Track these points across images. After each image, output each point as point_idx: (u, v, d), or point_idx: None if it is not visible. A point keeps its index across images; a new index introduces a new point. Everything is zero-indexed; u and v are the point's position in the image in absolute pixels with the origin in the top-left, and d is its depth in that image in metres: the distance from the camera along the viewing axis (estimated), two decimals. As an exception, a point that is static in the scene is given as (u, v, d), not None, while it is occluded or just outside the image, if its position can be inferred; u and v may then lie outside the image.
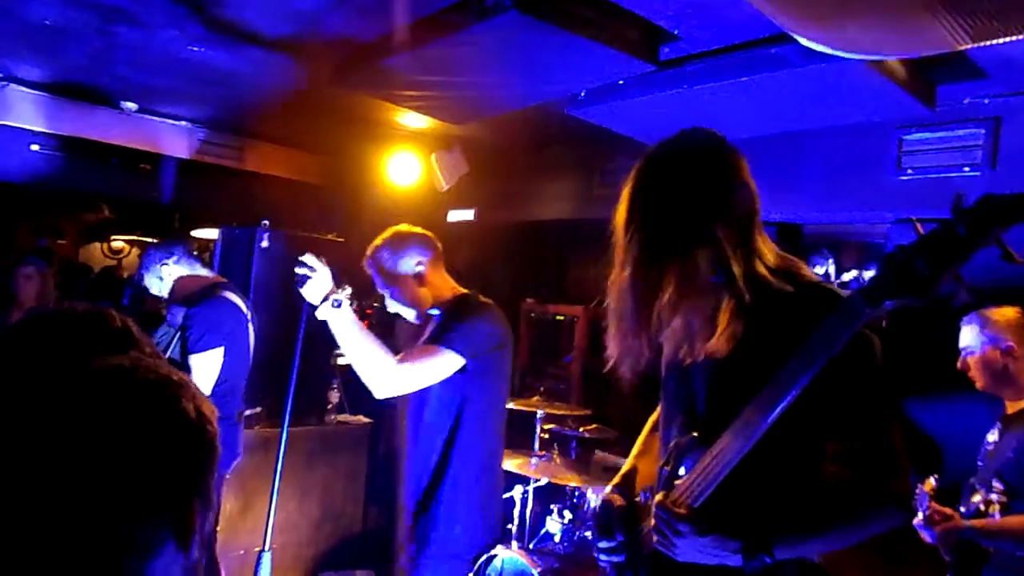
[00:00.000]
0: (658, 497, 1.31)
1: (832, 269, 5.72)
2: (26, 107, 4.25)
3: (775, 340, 1.26)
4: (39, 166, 4.52)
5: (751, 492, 1.26)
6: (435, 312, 2.32)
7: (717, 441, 1.25)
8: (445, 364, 2.12)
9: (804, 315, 1.24)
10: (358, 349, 2.08)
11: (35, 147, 4.44)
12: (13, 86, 4.17)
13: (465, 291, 2.36)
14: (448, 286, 2.37)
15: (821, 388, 1.17)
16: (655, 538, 1.30)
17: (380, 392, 2.10)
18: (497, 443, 2.33)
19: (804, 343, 1.16)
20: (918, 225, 1.09)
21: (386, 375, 2.07)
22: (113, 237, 8.36)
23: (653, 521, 1.30)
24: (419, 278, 2.29)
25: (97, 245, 8.45)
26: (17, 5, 2.94)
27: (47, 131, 4.38)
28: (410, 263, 2.30)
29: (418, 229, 2.40)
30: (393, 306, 2.35)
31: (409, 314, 2.35)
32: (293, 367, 2.23)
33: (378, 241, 2.36)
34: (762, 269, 1.29)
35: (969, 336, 2.39)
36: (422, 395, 2.27)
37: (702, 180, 1.29)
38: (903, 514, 1.25)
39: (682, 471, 1.32)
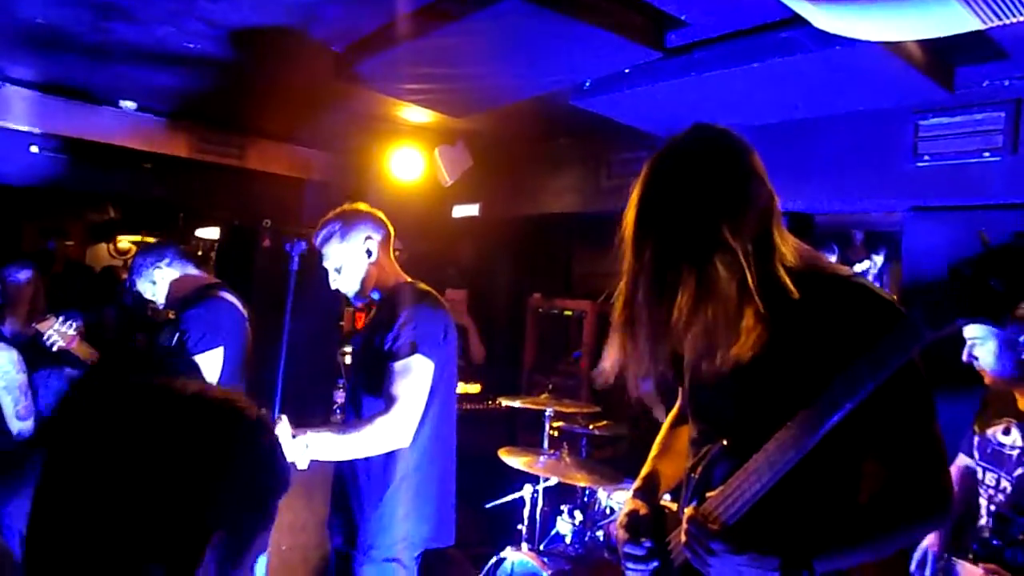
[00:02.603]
0: (689, 511, 1.25)
1: (834, 257, 5.65)
2: (24, 108, 4.19)
3: (803, 344, 1.21)
4: (40, 168, 4.48)
5: (787, 506, 1.20)
6: (376, 296, 2.30)
7: (753, 458, 1.18)
8: (424, 373, 2.09)
9: (832, 315, 1.19)
10: (354, 447, 2.06)
11: (35, 148, 4.40)
12: (10, 87, 4.12)
13: (408, 279, 2.33)
14: (393, 272, 2.33)
15: (867, 396, 1.10)
16: (687, 554, 1.24)
17: (407, 441, 2.08)
18: (450, 433, 2.28)
19: (851, 364, 1.09)
20: (984, 237, 0.99)
21: (393, 434, 2.05)
22: (119, 237, 8.35)
23: (684, 536, 1.24)
24: (368, 256, 2.27)
25: (103, 246, 8.43)
26: (7, 4, 2.88)
27: (46, 132, 4.34)
28: (359, 238, 2.26)
29: (370, 208, 2.37)
30: (336, 282, 2.31)
31: (352, 291, 2.31)
32: (279, 368, 2.20)
33: (329, 215, 2.33)
34: (782, 272, 1.22)
35: (976, 328, 2.26)
36: (364, 391, 2.21)
37: (715, 182, 1.21)
38: (947, 514, 1.21)
39: (713, 481, 1.26)
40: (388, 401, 2.06)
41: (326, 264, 2.30)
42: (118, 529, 0.69)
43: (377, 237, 2.29)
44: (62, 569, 0.70)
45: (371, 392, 2.17)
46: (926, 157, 3.05)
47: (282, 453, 0.83)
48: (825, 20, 1.87)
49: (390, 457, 2.12)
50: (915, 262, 3.22)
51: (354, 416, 2.24)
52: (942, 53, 2.66)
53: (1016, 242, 0.97)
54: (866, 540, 1.19)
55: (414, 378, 2.08)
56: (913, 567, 2.25)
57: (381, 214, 2.38)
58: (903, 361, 1.06)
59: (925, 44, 2.53)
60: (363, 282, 2.28)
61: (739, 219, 1.20)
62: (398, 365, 2.08)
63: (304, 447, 1.98)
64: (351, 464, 2.17)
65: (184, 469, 0.72)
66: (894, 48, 2.36)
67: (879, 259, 5.24)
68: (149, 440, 0.71)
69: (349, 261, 2.26)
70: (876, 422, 1.17)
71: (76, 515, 0.70)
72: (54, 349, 3.05)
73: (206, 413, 0.76)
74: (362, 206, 2.36)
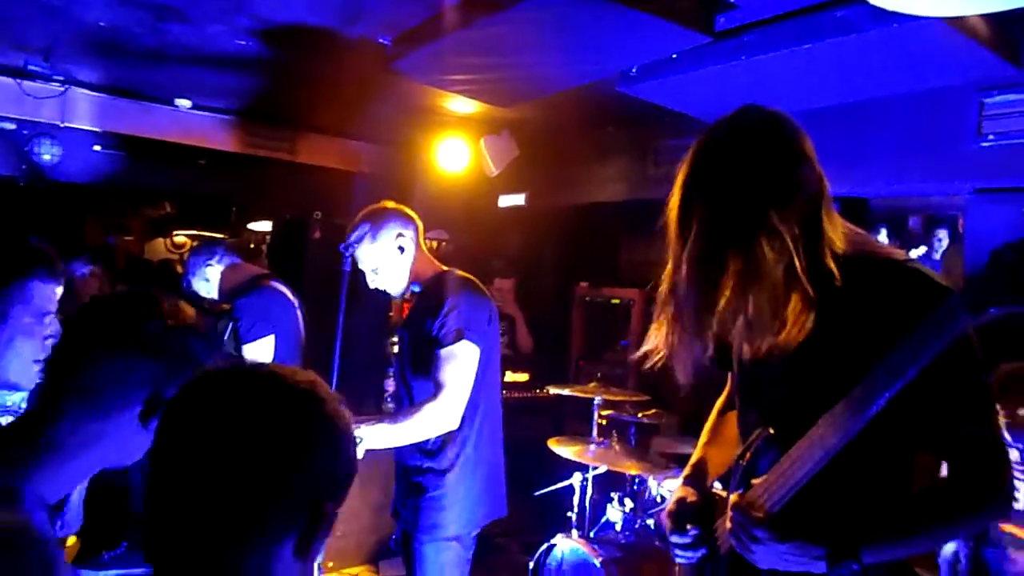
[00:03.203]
0: (734, 498, 1.25)
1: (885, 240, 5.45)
2: (87, 109, 4.37)
3: (851, 330, 1.18)
4: (102, 166, 4.66)
5: (835, 495, 1.19)
6: (416, 288, 2.35)
7: (796, 445, 1.17)
8: (470, 358, 2.15)
9: (880, 300, 1.17)
10: (406, 435, 2.12)
11: (97, 147, 4.58)
12: (74, 88, 4.29)
13: (445, 268, 2.37)
14: (429, 263, 2.37)
15: (914, 384, 1.08)
16: (732, 541, 1.24)
17: (455, 424, 2.15)
18: (497, 414, 2.33)
19: (891, 351, 1.06)
20: None
21: (442, 419, 2.11)
22: (175, 232, 8.62)
23: (729, 523, 1.24)
24: (401, 252, 2.30)
25: (160, 240, 8.72)
26: (74, 8, 3.00)
27: (107, 131, 4.51)
28: (390, 236, 2.30)
29: (396, 205, 2.41)
30: (375, 281, 2.35)
31: (393, 288, 2.35)
32: (334, 360, 2.28)
33: (357, 218, 2.36)
34: (829, 258, 1.20)
35: None
36: (414, 378, 2.26)
37: (762, 165, 1.19)
38: (1008, 506, 1.17)
39: (760, 469, 1.26)
40: (436, 387, 2.12)
41: (362, 266, 2.34)
42: (252, 507, 0.79)
43: (408, 233, 2.33)
44: (193, 541, 0.79)
45: (421, 378, 2.22)
46: (990, 136, 2.93)
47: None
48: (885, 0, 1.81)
49: (449, 441, 2.18)
50: (978, 246, 3.10)
51: (407, 402, 2.30)
52: (1008, 26, 2.54)
53: None
54: (918, 532, 1.17)
55: (460, 363, 2.13)
56: (944, 569, 2.14)
57: (408, 209, 2.41)
58: (942, 346, 1.03)
59: (990, 18, 2.42)
60: (401, 278, 2.32)
61: (787, 203, 1.17)
62: (445, 351, 2.13)
63: (358, 440, 2.04)
64: (412, 450, 2.22)
65: (303, 451, 0.82)
66: (956, 24, 2.27)
67: (943, 234, 5.02)
68: (270, 427, 0.81)
69: (384, 260, 2.30)
70: (929, 409, 1.14)
71: (207, 493, 0.79)
72: None
73: (313, 400, 0.86)
74: (388, 204, 2.39)
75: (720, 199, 1.19)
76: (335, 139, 5.25)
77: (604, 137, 4.64)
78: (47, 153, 4.32)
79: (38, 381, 1.08)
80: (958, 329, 1.03)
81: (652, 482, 3.29)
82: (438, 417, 2.10)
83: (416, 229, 2.38)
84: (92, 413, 1.03)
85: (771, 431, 1.27)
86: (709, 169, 1.22)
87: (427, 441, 2.17)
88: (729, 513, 1.24)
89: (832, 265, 1.19)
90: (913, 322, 1.06)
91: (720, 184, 1.20)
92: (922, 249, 5.17)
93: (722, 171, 1.20)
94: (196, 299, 3.24)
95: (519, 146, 4.78)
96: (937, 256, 5.06)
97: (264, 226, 7.02)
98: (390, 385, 4.23)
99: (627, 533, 3.25)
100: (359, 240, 2.31)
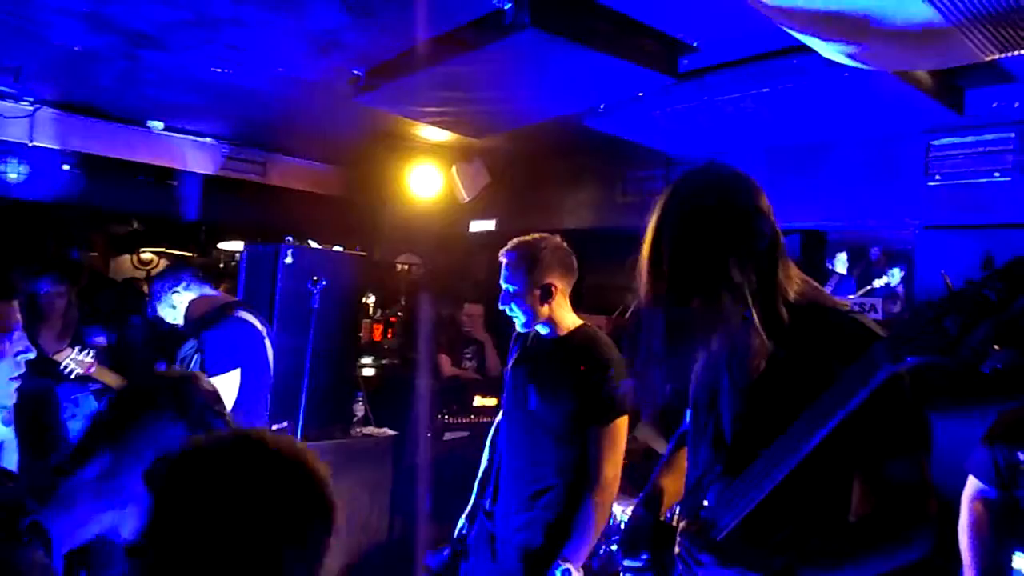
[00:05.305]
0: (682, 525, 1.33)
1: (844, 266, 5.66)
2: (57, 128, 4.34)
3: (796, 375, 1.27)
4: (70, 185, 4.62)
5: (776, 523, 1.27)
6: (545, 332, 2.32)
7: (739, 477, 1.26)
8: (624, 433, 2.22)
9: (823, 348, 1.26)
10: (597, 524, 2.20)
11: (66, 167, 4.55)
12: (45, 108, 4.26)
13: (583, 323, 2.34)
14: (569, 313, 2.32)
15: (849, 421, 1.16)
16: (679, 566, 1.32)
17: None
18: None
19: (822, 395, 1.16)
20: (947, 279, 1.06)
21: (611, 500, 2.21)
22: (142, 249, 8.51)
23: (677, 549, 1.32)
24: (548, 293, 2.25)
25: (127, 257, 8.60)
26: (47, 32, 3.01)
27: (77, 151, 4.48)
28: (544, 277, 2.25)
29: (563, 247, 2.35)
30: (505, 304, 2.29)
31: (517, 318, 2.32)
32: (303, 383, 2.27)
33: (531, 240, 2.31)
34: (782, 308, 1.30)
35: None
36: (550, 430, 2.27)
37: (725, 222, 1.30)
38: (933, 539, 1.24)
39: (706, 502, 1.33)
40: (599, 462, 2.17)
41: (503, 281, 2.29)
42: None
43: (561, 284, 2.28)
44: None
45: (561, 438, 2.24)
46: (937, 177, 3.09)
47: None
48: (833, 54, 1.92)
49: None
50: (927, 280, 3.25)
51: (521, 439, 2.34)
52: (951, 76, 2.70)
53: (968, 290, 1.03)
54: (849, 561, 1.23)
55: (621, 438, 2.20)
56: None
57: (571, 255, 2.35)
58: (866, 390, 1.11)
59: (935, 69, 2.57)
60: (531, 318, 2.28)
61: (745, 254, 1.28)
62: (609, 427, 2.18)
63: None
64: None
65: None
66: (902, 74, 2.41)
67: (897, 272, 5.25)
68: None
69: (527, 293, 2.25)
70: (860, 446, 1.23)
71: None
72: (72, 377, 3.17)
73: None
74: (561, 244, 2.34)
75: (686, 256, 1.29)
76: (306, 163, 5.28)
77: (573, 166, 4.74)
78: (13, 172, 4.28)
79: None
80: (880, 376, 1.11)
81: (617, 508, 3.34)
82: (610, 501, 2.19)
83: (571, 279, 2.32)
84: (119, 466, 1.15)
85: (719, 467, 1.35)
86: (676, 228, 1.32)
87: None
88: (678, 539, 1.32)
89: (784, 313, 1.29)
90: (843, 367, 1.15)
91: (686, 242, 1.30)
92: (884, 279, 5.36)
93: (688, 230, 1.31)
94: (161, 324, 3.21)
95: (490, 173, 4.86)
96: (894, 282, 5.26)
97: (234, 246, 6.98)
98: (359, 409, 4.23)
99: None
100: (517, 263, 2.26)
